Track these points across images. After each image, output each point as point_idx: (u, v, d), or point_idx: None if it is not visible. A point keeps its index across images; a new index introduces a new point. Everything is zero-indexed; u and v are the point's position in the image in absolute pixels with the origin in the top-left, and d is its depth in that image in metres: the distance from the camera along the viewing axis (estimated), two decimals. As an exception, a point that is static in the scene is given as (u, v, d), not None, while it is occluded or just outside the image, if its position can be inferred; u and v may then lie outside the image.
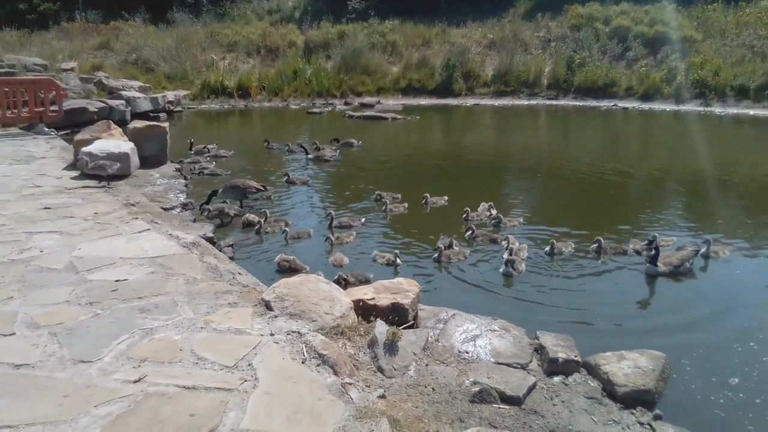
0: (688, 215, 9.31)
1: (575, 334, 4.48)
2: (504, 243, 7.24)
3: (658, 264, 6.48)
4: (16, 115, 13.61)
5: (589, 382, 4.01)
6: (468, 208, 8.63)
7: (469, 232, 7.74)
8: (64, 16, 33.54)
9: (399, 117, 21.15)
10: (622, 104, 25.32)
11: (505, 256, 6.58)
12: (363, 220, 8.41)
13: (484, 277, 6.51)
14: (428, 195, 9.35)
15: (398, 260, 6.73)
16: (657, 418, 3.65)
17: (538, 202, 10.41)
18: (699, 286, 6.51)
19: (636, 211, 9.53)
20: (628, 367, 4.01)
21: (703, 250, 7.05)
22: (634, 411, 3.71)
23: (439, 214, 9.01)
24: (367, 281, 5.85)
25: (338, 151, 13.79)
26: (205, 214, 8.26)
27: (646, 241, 6.94)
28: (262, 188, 9.34)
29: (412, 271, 6.59)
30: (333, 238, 7.40)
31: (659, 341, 4.74)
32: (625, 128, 21.13)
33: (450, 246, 7.16)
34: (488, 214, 8.59)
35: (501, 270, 6.44)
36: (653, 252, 6.54)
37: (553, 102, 26.47)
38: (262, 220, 7.99)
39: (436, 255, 6.90)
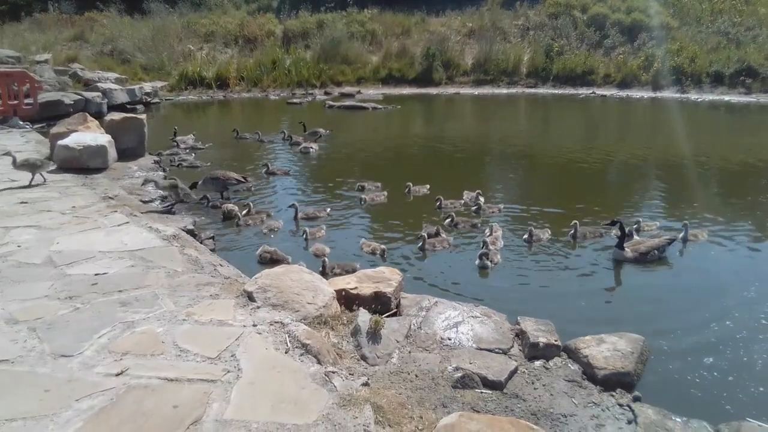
0: (667, 199, 9.44)
1: (555, 319, 4.54)
2: (487, 231, 7.30)
3: (625, 249, 6.60)
4: (-11, 108, 13.37)
5: (570, 365, 4.07)
6: (441, 197, 8.70)
7: (449, 220, 7.78)
8: (37, 6, 32.75)
9: (379, 106, 21.12)
10: (600, 92, 25.53)
11: (483, 247, 6.59)
12: (328, 210, 8.35)
13: (465, 264, 6.55)
14: (411, 184, 9.36)
15: (384, 249, 6.73)
16: (636, 399, 3.73)
17: (518, 189, 10.49)
18: (677, 270, 6.61)
19: (616, 197, 9.67)
20: (608, 350, 4.08)
21: (681, 234, 7.17)
22: (614, 393, 3.78)
23: (422, 202, 9.01)
24: (353, 272, 5.84)
25: (315, 141, 13.67)
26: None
27: (610, 221, 7.01)
28: (242, 179, 9.28)
29: (396, 260, 6.63)
30: (308, 232, 7.26)
31: (638, 324, 4.82)
32: (604, 115, 21.34)
33: (436, 234, 7.19)
34: (476, 201, 8.63)
35: (476, 263, 6.43)
36: (620, 235, 6.66)
37: (533, 90, 26.61)
38: (242, 212, 7.94)
39: (420, 244, 6.92)
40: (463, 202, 8.73)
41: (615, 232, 7.28)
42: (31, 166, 7.97)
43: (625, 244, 6.63)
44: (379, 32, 29.69)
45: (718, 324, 5.09)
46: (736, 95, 23.66)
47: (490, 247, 6.62)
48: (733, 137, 16.40)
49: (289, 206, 8.26)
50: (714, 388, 4.14)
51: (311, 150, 12.98)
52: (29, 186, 7.88)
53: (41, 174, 8.11)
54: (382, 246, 6.81)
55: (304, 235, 7.21)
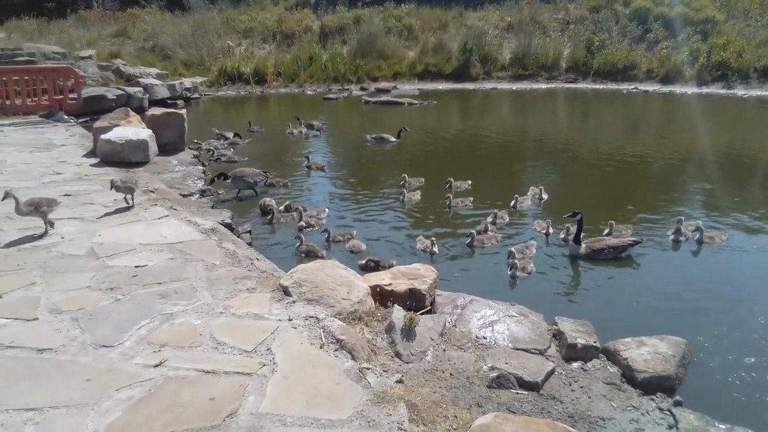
0: (708, 198, 9.14)
1: (594, 320, 4.45)
2: (536, 226, 7.36)
3: (581, 243, 6.55)
4: (36, 103, 13.78)
5: (608, 368, 3.99)
6: (450, 195, 8.60)
7: (490, 218, 7.68)
8: (82, 3, 33.66)
9: (415, 102, 21.02)
10: (642, 87, 24.95)
11: (510, 258, 6.41)
12: (327, 211, 8.19)
13: (503, 262, 6.45)
14: (452, 179, 9.32)
15: (434, 248, 6.64)
16: (677, 404, 3.63)
17: (556, 185, 10.30)
18: (719, 272, 6.43)
19: (656, 195, 9.40)
20: (648, 353, 3.98)
21: (696, 237, 6.98)
22: (654, 397, 3.69)
23: (463, 198, 8.85)
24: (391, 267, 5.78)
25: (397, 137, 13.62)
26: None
27: (571, 213, 6.81)
28: (264, 175, 9.32)
29: (436, 256, 6.60)
30: (330, 233, 7.17)
31: (679, 325, 4.70)
32: (646, 111, 20.80)
33: (485, 231, 7.12)
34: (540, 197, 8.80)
35: (509, 273, 6.12)
36: (577, 230, 6.63)
37: (572, 85, 26.14)
38: (277, 210, 7.99)
39: (468, 240, 6.86)
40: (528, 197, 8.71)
41: (672, 229, 7.12)
42: None
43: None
44: (416, 27, 29.55)
45: (764, 327, 4.92)
46: (786, 91, 22.84)
47: (518, 255, 6.40)
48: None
49: (294, 210, 8.12)
50: (760, 394, 4.00)
51: (393, 142, 13.32)
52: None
53: None
54: (434, 246, 6.66)
55: (327, 236, 7.14)
